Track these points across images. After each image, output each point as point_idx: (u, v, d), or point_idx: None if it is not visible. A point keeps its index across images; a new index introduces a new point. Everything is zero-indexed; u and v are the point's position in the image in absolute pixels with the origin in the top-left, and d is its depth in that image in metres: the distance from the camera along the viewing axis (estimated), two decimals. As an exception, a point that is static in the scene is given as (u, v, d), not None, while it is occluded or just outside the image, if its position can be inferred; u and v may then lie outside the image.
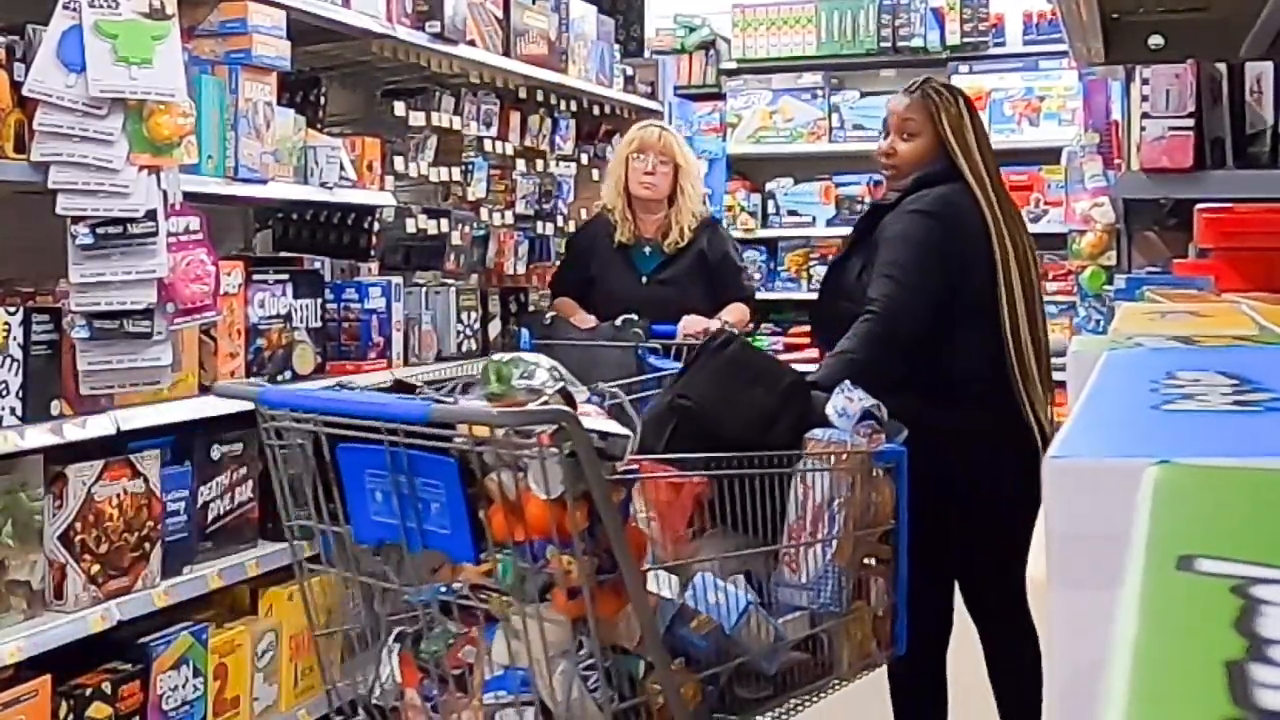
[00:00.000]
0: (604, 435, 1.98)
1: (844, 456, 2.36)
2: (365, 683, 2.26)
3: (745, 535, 2.25)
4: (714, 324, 4.01)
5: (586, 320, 4.09)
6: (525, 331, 4.01)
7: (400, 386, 2.47)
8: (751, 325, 4.42)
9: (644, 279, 4.23)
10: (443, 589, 2.18)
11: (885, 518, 2.43)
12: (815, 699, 2.40)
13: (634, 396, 2.70)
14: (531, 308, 4.70)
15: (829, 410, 2.41)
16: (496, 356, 2.25)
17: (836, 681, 2.40)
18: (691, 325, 3.98)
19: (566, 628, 2.06)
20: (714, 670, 2.14)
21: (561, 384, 2.11)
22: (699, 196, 4.35)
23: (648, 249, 4.27)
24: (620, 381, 2.70)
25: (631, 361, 3.72)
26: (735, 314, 4.22)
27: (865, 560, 2.43)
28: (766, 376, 2.49)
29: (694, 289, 4.21)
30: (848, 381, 2.46)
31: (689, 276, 4.22)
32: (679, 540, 2.17)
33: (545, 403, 2.01)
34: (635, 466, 2.09)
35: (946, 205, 2.95)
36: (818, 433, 2.40)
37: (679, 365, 3.40)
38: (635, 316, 3.88)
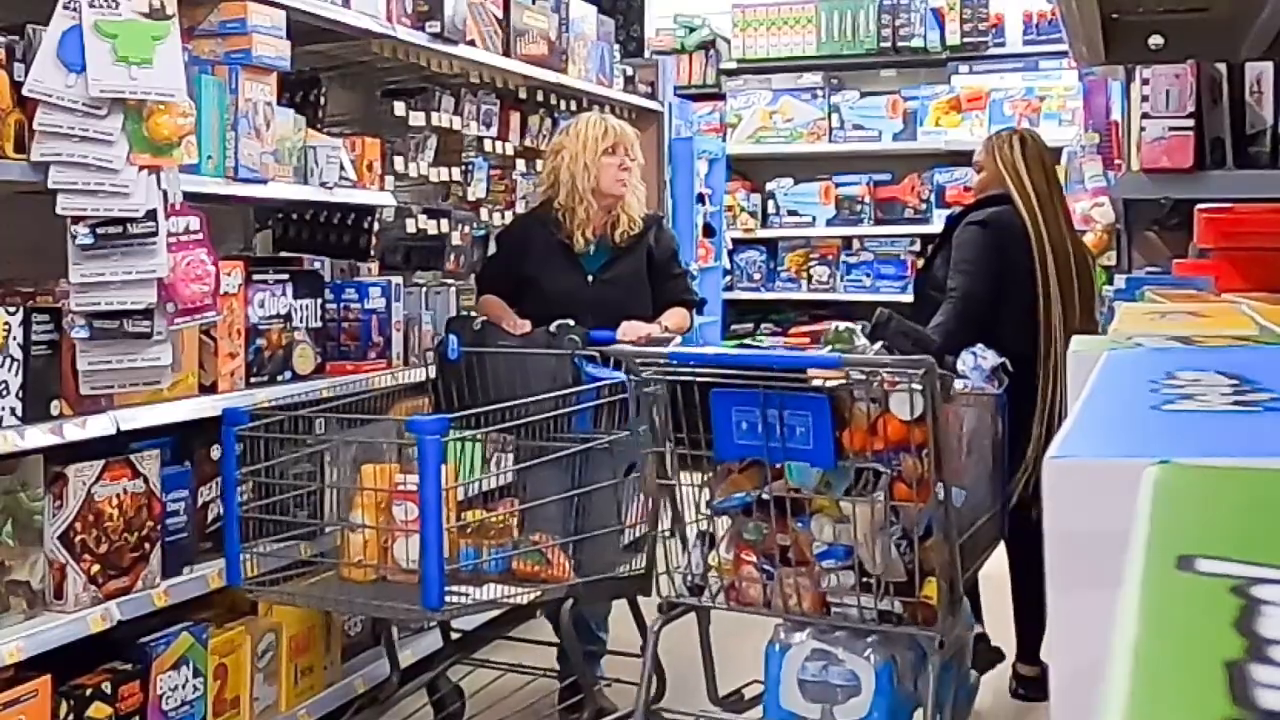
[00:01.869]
0: (943, 376, 2.86)
1: (985, 398, 3.21)
2: (686, 572, 3.10)
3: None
4: (655, 329, 3.78)
5: (520, 325, 3.75)
6: (454, 338, 3.67)
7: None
8: (690, 329, 4.10)
9: (590, 278, 3.91)
10: (746, 496, 3.00)
11: (999, 443, 3.29)
12: (977, 570, 3.25)
13: (574, 409, 3.29)
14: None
15: (960, 365, 3.20)
16: (837, 325, 3.16)
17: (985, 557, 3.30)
18: (631, 331, 3.72)
19: (881, 512, 2.86)
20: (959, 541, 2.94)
21: (881, 342, 3.08)
22: (644, 189, 4.08)
23: (593, 247, 3.90)
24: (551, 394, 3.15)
25: (567, 370, 3.50)
26: (675, 319, 3.93)
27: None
28: (921, 342, 3.22)
29: (640, 288, 3.95)
30: (980, 345, 3.27)
31: (635, 275, 3.94)
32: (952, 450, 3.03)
33: (877, 353, 3.01)
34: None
35: (995, 219, 3.86)
36: (958, 382, 3.13)
37: (620, 374, 3.36)
38: (571, 322, 3.60)
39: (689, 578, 3.10)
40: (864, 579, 2.90)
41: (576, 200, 3.86)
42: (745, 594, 3.06)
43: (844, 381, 2.90)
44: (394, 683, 3.52)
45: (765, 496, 2.95)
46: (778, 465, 2.95)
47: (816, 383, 2.94)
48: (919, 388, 2.81)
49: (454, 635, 3.78)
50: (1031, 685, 3.93)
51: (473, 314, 4.05)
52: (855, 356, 2.97)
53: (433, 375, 3.77)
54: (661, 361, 3.08)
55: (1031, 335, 3.75)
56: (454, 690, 3.69)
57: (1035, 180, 3.89)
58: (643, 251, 3.96)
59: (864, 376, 2.89)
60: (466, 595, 3.09)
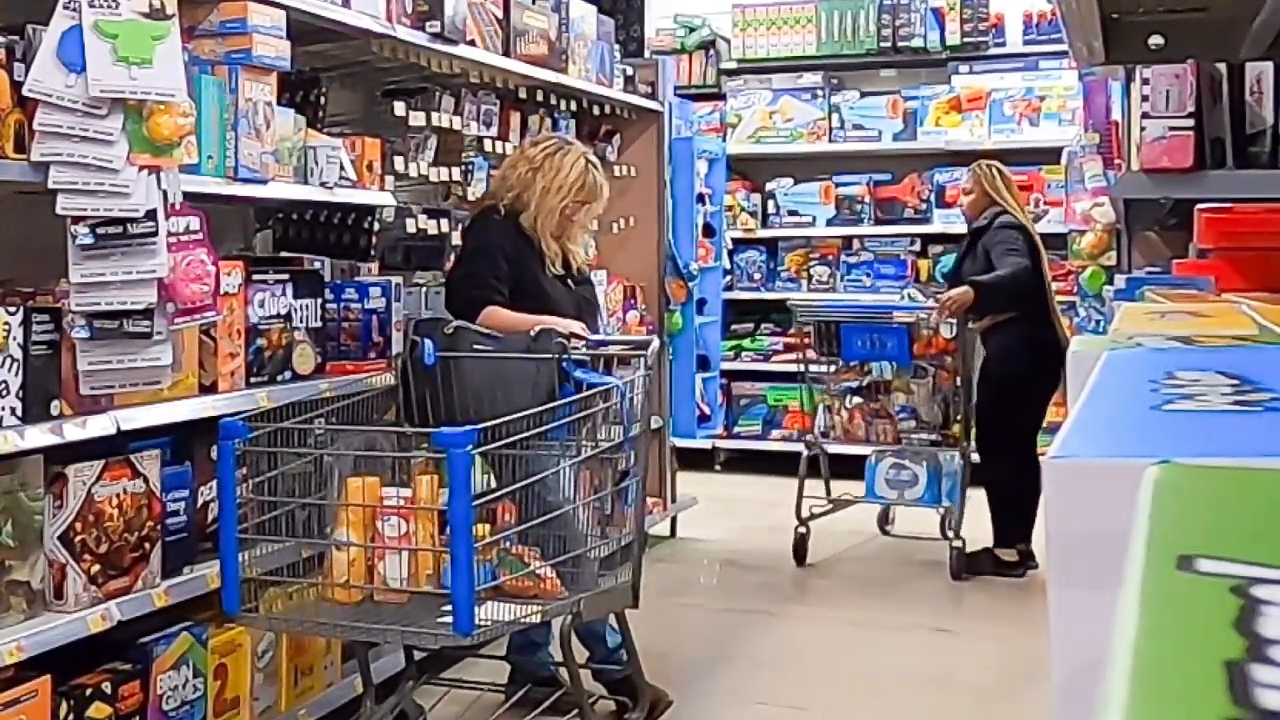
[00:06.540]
0: (966, 315, 5.48)
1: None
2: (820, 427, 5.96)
3: None
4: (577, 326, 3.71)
5: (579, 326, 3.64)
6: (429, 343, 3.52)
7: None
8: None
9: (570, 283, 3.84)
10: (852, 385, 5.80)
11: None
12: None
13: (582, 414, 3.35)
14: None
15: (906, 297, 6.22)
16: (909, 291, 6.21)
17: None
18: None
19: (931, 388, 5.62)
20: None
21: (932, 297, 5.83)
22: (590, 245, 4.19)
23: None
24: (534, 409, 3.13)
25: (546, 375, 3.41)
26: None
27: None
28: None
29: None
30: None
31: (592, 292, 3.98)
32: None
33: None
34: None
35: (1016, 223, 5.63)
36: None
37: (611, 379, 3.37)
38: (553, 327, 3.52)
39: (819, 428, 5.87)
40: (921, 424, 5.63)
41: (538, 233, 3.76)
42: (855, 435, 5.79)
43: (914, 319, 5.54)
44: (370, 706, 3.38)
45: (864, 384, 5.74)
46: (867, 365, 5.70)
47: (898, 319, 5.58)
48: (954, 321, 5.45)
49: (416, 655, 3.59)
50: (1002, 565, 5.58)
51: (442, 317, 3.81)
52: (925, 305, 5.65)
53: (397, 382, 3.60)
54: (817, 308, 5.98)
55: (1040, 293, 5.55)
56: (415, 707, 3.57)
57: (1016, 197, 5.78)
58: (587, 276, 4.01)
59: (927, 315, 5.52)
60: (489, 618, 2.92)
